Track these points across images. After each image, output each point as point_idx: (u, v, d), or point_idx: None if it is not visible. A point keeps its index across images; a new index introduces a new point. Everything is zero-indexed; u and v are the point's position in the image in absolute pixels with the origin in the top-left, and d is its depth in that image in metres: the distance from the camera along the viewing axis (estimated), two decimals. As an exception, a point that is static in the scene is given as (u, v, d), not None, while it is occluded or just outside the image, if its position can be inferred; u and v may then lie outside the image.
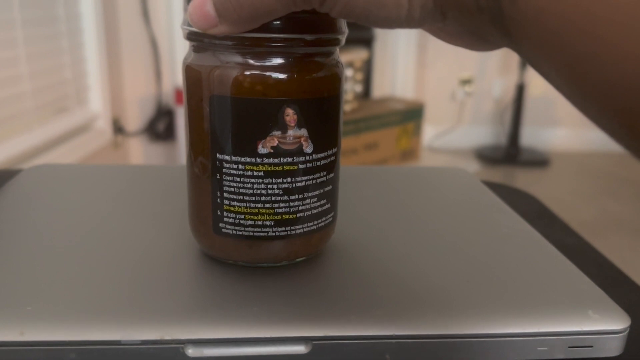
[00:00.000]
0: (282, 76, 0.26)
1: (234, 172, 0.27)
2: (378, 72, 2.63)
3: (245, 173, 0.27)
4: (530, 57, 0.18)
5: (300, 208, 0.28)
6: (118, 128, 1.94)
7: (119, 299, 0.26)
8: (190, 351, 0.24)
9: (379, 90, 2.65)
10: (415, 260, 0.31)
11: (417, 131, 2.42)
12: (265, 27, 0.24)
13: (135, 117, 2.04)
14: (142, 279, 0.28)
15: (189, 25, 0.26)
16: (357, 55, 2.18)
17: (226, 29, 0.23)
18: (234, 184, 0.27)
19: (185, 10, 0.26)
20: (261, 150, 0.26)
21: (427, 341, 0.25)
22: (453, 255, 0.32)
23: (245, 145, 0.26)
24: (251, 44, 0.25)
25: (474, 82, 2.81)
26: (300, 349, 0.25)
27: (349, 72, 2.15)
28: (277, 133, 0.26)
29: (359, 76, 2.22)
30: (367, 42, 2.46)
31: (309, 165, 0.27)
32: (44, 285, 0.27)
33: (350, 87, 2.17)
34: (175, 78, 2.04)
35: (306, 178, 0.28)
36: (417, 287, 0.28)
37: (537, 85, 2.74)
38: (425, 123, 2.59)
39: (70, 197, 0.38)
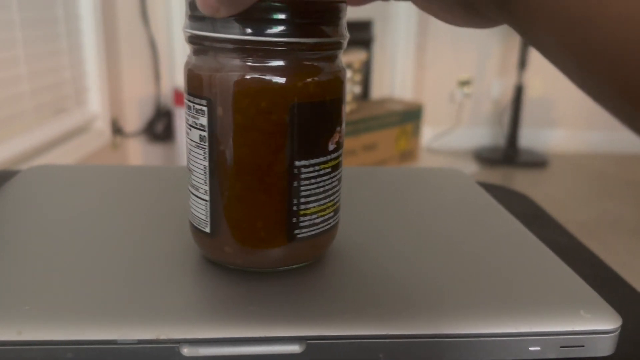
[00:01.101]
0: (349, 75, 0.28)
1: (311, 174, 0.27)
2: (377, 73, 2.63)
3: (320, 172, 0.28)
4: (524, 27, 0.18)
5: (340, 192, 0.30)
6: (117, 129, 1.94)
7: (116, 299, 0.26)
8: (186, 350, 0.25)
9: (377, 91, 2.65)
10: (409, 261, 0.31)
11: (415, 132, 2.42)
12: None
13: (134, 118, 2.05)
14: (138, 279, 0.28)
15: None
16: (356, 56, 2.18)
17: (227, 10, 0.23)
18: (311, 187, 0.28)
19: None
20: (330, 147, 0.28)
21: (420, 341, 0.26)
22: (446, 255, 0.32)
23: (321, 146, 0.27)
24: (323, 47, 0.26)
25: (473, 83, 2.81)
26: (294, 348, 0.25)
27: (347, 74, 2.15)
28: (338, 128, 0.28)
29: (358, 77, 2.22)
30: (366, 43, 2.47)
31: (341, 155, 0.30)
32: (41, 285, 0.27)
33: (349, 88, 2.17)
34: (174, 79, 2.04)
35: (341, 167, 0.30)
36: (410, 287, 0.28)
37: (536, 86, 2.75)
38: (424, 124, 2.60)
39: (68, 198, 0.38)
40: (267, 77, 0.26)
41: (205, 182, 0.28)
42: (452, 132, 2.85)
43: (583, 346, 0.27)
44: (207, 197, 0.28)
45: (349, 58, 2.14)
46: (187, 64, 0.28)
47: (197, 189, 0.28)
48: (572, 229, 0.42)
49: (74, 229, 0.34)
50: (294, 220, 0.28)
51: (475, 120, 2.88)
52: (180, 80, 2.02)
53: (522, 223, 0.38)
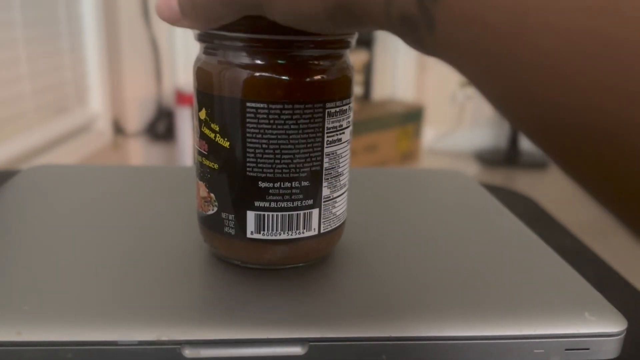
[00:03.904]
0: None
1: None
2: (378, 74, 2.63)
3: None
4: (448, 63, 0.17)
5: None
6: (118, 129, 1.94)
7: (116, 300, 0.26)
8: (187, 352, 0.24)
9: (379, 92, 2.65)
10: (412, 262, 0.31)
11: (417, 133, 2.42)
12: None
13: (135, 118, 2.05)
14: (139, 279, 0.28)
15: None
16: (357, 57, 2.18)
17: (188, 24, 0.24)
18: None
19: None
20: None
21: (423, 343, 0.25)
22: (450, 257, 0.32)
23: None
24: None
25: (474, 85, 2.80)
26: (297, 350, 0.25)
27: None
28: None
29: (360, 78, 2.22)
30: (367, 44, 2.46)
31: None
32: (41, 285, 0.27)
33: (351, 89, 2.17)
34: (175, 79, 2.04)
35: None
36: (414, 289, 0.28)
37: (537, 87, 2.74)
38: (425, 125, 2.60)
39: (69, 198, 0.38)
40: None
41: (348, 173, 0.30)
42: (454, 134, 2.85)
43: (588, 349, 0.26)
44: (347, 187, 0.30)
45: (351, 59, 2.13)
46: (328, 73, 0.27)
47: (343, 187, 0.30)
48: (573, 230, 0.42)
49: (75, 229, 0.33)
50: None
51: (477, 122, 2.88)
52: (180, 80, 2.01)
53: (526, 225, 0.38)
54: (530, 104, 0.14)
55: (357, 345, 0.25)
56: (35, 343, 0.24)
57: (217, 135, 0.27)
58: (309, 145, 0.27)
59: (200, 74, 0.27)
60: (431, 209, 0.39)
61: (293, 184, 0.27)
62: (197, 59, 0.28)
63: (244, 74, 0.25)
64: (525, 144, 2.79)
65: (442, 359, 0.26)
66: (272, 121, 0.26)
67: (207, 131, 0.27)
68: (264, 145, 0.26)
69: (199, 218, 0.30)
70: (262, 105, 0.25)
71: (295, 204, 0.27)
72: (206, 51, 0.27)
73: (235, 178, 0.27)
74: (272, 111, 0.25)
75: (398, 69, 2.69)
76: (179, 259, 0.30)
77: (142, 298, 0.26)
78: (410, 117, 2.37)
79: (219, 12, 0.22)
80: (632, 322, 0.28)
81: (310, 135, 0.26)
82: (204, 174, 0.28)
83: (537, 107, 0.14)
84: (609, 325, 0.26)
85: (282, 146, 0.26)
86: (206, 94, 0.27)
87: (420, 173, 0.47)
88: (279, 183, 0.27)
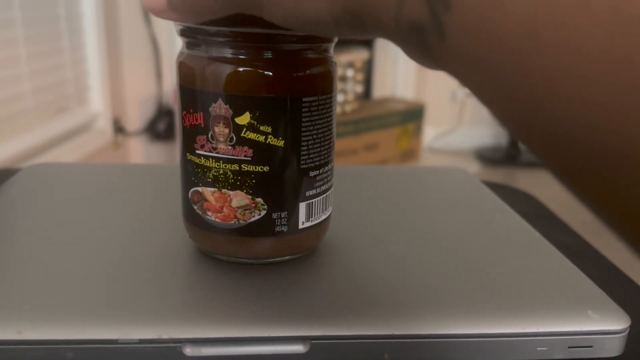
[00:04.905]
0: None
1: None
2: (379, 73, 2.63)
3: None
4: (453, 75, 0.17)
5: None
6: (118, 128, 1.94)
7: (117, 298, 0.26)
8: (188, 350, 0.24)
9: (379, 90, 2.65)
10: (414, 260, 0.31)
11: (417, 132, 2.42)
12: None
13: (136, 117, 2.05)
14: (140, 277, 0.28)
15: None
16: (357, 55, 2.18)
17: (174, 16, 0.23)
18: None
19: None
20: None
21: (425, 341, 0.25)
22: (452, 255, 0.32)
23: None
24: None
25: (475, 83, 2.80)
26: (298, 348, 0.25)
27: (349, 73, 2.15)
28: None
29: (360, 76, 2.22)
30: (368, 42, 2.46)
31: None
32: (41, 284, 0.27)
33: (351, 88, 2.17)
34: (175, 78, 2.03)
35: None
36: (415, 287, 0.28)
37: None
38: (425, 124, 2.59)
39: (69, 196, 0.38)
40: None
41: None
42: (454, 132, 2.85)
43: (591, 346, 0.26)
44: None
45: (351, 57, 2.13)
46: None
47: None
48: (574, 228, 0.42)
49: (75, 227, 0.33)
50: None
51: (477, 120, 2.88)
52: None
53: (528, 222, 0.38)
54: (540, 118, 0.13)
55: (360, 343, 0.25)
56: (35, 342, 0.23)
57: (269, 136, 0.26)
58: (333, 128, 0.29)
59: (245, 78, 0.26)
60: (434, 207, 0.39)
61: (329, 166, 0.30)
62: (223, 65, 0.26)
63: (299, 72, 0.26)
64: (526, 142, 2.78)
65: (445, 356, 0.26)
66: (321, 112, 0.28)
67: (253, 135, 0.26)
68: (314, 136, 0.28)
69: (225, 231, 0.28)
70: (314, 99, 0.27)
71: (329, 184, 0.30)
72: (247, 54, 0.26)
73: (290, 174, 0.28)
74: (321, 103, 0.28)
75: (398, 68, 2.69)
76: (179, 256, 0.30)
77: (142, 296, 0.26)
78: (411, 116, 2.37)
79: (212, 7, 0.22)
80: (635, 319, 0.28)
81: (332, 118, 0.29)
82: (242, 181, 0.27)
83: (547, 122, 0.13)
84: (612, 323, 0.26)
85: (325, 133, 0.28)
86: (252, 97, 0.26)
87: (423, 171, 0.47)
88: (322, 168, 0.29)
